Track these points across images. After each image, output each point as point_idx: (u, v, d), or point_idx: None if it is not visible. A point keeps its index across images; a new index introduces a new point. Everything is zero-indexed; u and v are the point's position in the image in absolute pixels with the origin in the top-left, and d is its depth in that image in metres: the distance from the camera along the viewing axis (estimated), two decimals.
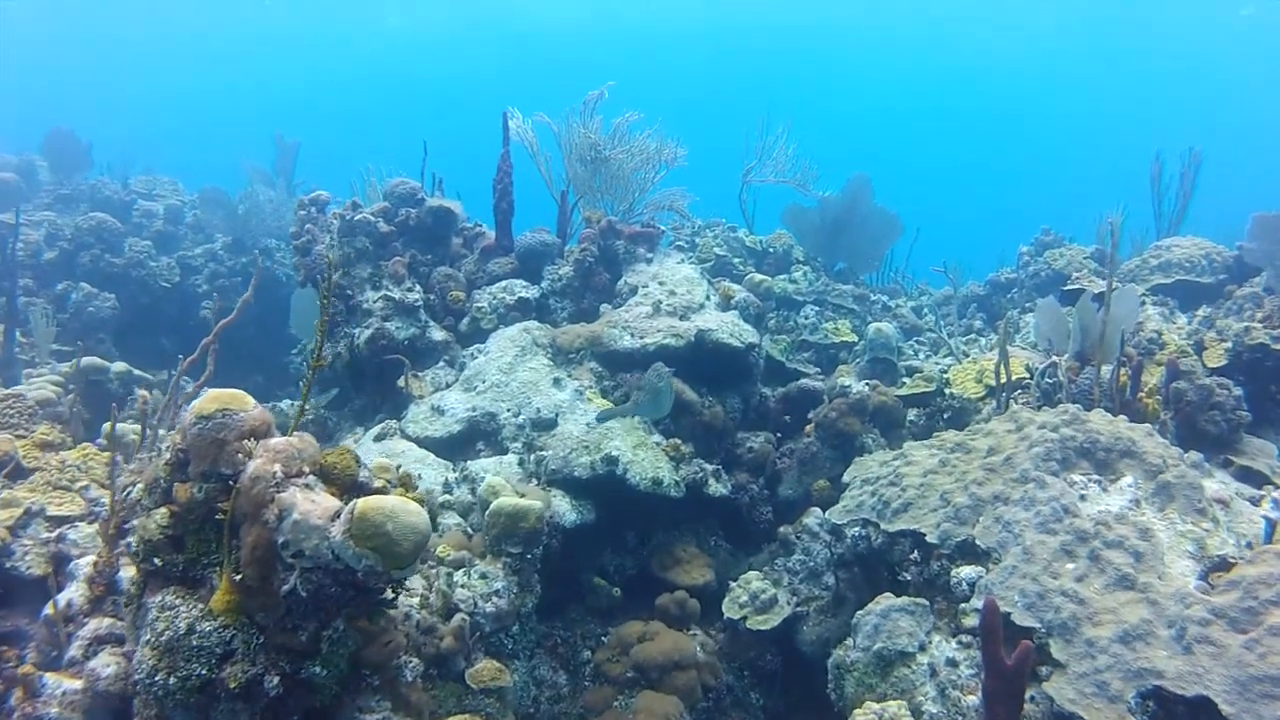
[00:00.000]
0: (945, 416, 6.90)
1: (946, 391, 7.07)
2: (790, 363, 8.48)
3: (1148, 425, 5.12)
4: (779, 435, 7.29)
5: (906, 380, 8.10)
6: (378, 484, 3.34)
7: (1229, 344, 6.63)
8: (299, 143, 17.81)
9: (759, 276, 8.52)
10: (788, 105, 12.61)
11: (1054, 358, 6.21)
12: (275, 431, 3.31)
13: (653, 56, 54.33)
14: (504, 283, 7.78)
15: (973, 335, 9.55)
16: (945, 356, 8.83)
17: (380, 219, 8.26)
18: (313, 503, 2.99)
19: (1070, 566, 4.13)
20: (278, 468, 3.03)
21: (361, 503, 2.96)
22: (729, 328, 7.09)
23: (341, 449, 3.33)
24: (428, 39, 50.61)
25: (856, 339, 9.11)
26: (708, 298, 7.54)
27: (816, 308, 9.70)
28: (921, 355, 9.08)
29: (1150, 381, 6.22)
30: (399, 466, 4.10)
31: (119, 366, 7.83)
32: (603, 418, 6.41)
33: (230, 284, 11.58)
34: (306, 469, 3.14)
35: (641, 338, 6.97)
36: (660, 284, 7.50)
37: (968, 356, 8.52)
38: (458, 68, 56.13)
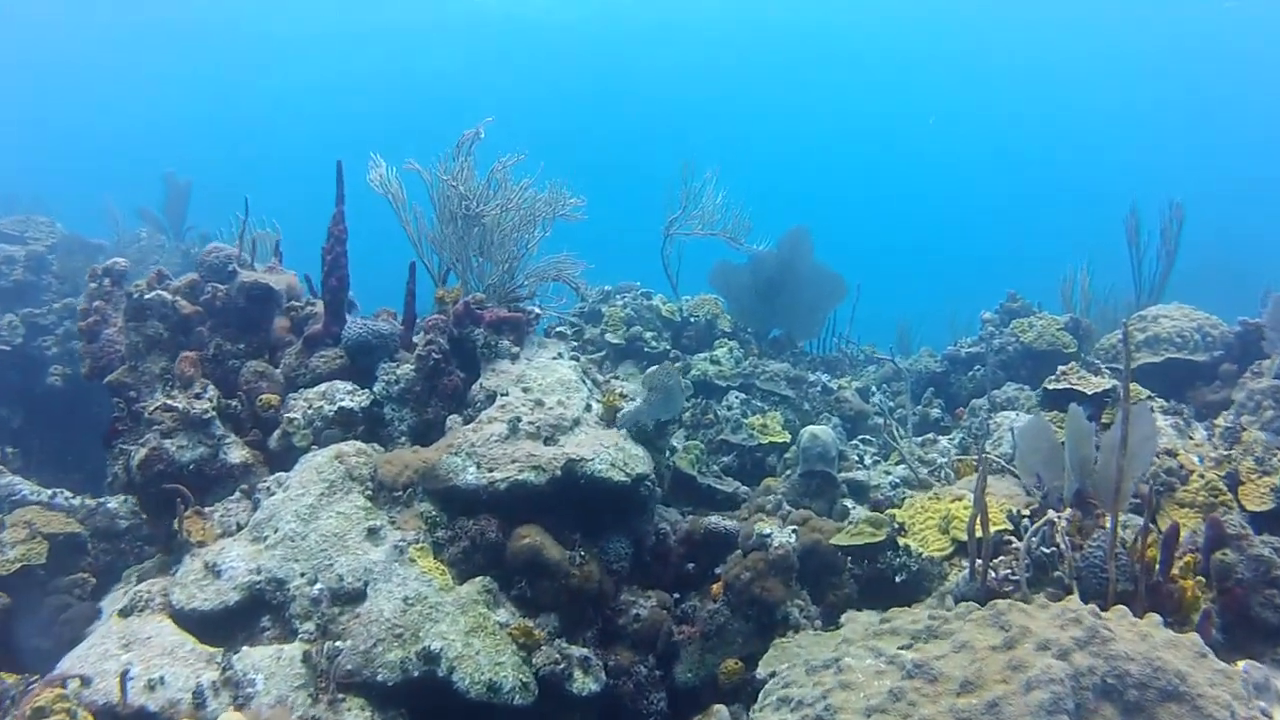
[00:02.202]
0: (900, 578, 5.14)
1: (900, 543, 5.31)
2: (703, 477, 6.76)
3: (1194, 640, 3.41)
4: (677, 596, 5.55)
5: (848, 504, 6.40)
6: None
7: (1276, 480, 4.96)
8: (191, 182, 15.97)
9: (665, 370, 6.75)
10: (719, 149, 10.98)
11: (1051, 514, 4.48)
12: None
13: (562, 95, 50.98)
14: (325, 386, 5.97)
15: (930, 436, 7.82)
16: (897, 464, 7.11)
17: (182, 297, 6.48)
18: None
19: None
20: None
21: None
22: (611, 455, 5.33)
23: None
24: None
25: (788, 438, 7.39)
26: (588, 408, 5.78)
27: (742, 395, 8.00)
28: (869, 459, 7.36)
29: (1175, 514, 4.57)
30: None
31: None
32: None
33: None
34: None
35: (490, 470, 5.18)
36: (525, 390, 5.72)
37: (924, 467, 6.83)
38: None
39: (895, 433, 7.43)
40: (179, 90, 44.48)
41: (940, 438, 7.69)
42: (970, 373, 9.11)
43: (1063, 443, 4.93)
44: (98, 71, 40.98)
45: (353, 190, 6.79)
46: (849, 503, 6.48)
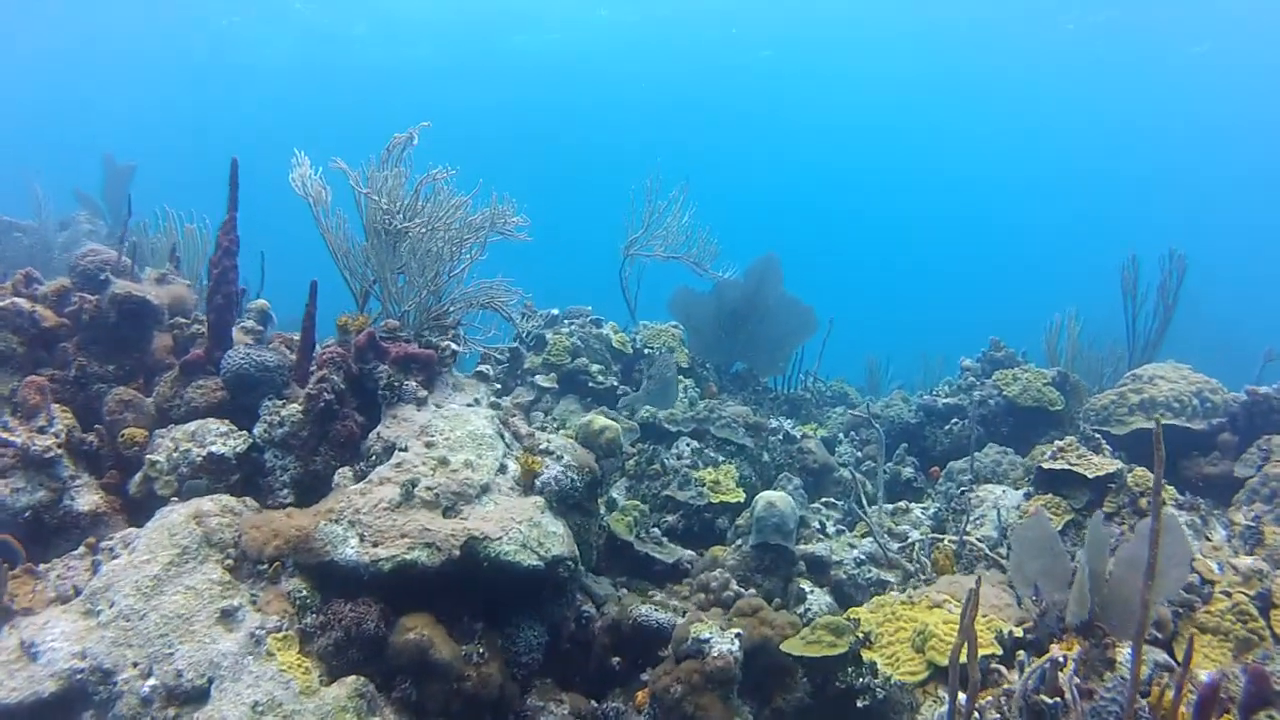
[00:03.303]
0: (863, 702, 4.26)
1: (865, 658, 4.43)
2: (641, 543, 5.89)
3: None
4: (596, 703, 4.65)
5: (805, 585, 5.54)
6: None
7: None
8: (135, 166, 15.00)
9: (601, 422, 5.82)
10: (689, 169, 10.12)
11: (1054, 650, 3.61)
12: None
13: (530, 108, 48.99)
14: (197, 425, 5.05)
15: (902, 505, 6.95)
16: (863, 535, 6.25)
17: (47, 306, 5.57)
18: None
19: None
20: None
21: None
22: (522, 533, 4.43)
23: None
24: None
25: (742, 497, 6.54)
26: (502, 469, 4.87)
27: (694, 443, 7.12)
28: (831, 526, 6.49)
29: (1197, 641, 3.72)
30: None
31: None
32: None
33: None
34: None
35: (375, 545, 4.27)
36: (428, 445, 4.81)
37: (894, 541, 5.99)
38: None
39: (862, 498, 6.59)
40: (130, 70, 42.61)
41: (913, 506, 6.84)
42: (947, 426, 8.28)
43: (1068, 550, 4.11)
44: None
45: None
46: (806, 585, 5.62)
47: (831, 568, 5.86)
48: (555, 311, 8.44)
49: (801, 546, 5.96)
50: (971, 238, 55.68)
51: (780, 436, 7.73)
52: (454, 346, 5.44)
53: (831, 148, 53.00)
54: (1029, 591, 4.17)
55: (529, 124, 49.54)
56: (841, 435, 8.71)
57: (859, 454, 8.36)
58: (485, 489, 4.65)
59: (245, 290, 7.72)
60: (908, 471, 7.65)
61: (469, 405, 5.25)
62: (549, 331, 8.09)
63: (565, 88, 45.60)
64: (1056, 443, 5.95)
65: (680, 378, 8.08)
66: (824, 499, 6.93)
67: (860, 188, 57.04)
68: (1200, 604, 4.29)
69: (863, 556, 5.93)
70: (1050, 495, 5.57)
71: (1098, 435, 5.95)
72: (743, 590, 5.42)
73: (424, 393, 5.15)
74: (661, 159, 9.94)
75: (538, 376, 7.25)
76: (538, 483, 4.77)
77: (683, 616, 5.18)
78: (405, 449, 4.78)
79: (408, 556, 4.21)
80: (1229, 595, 4.30)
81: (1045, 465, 5.67)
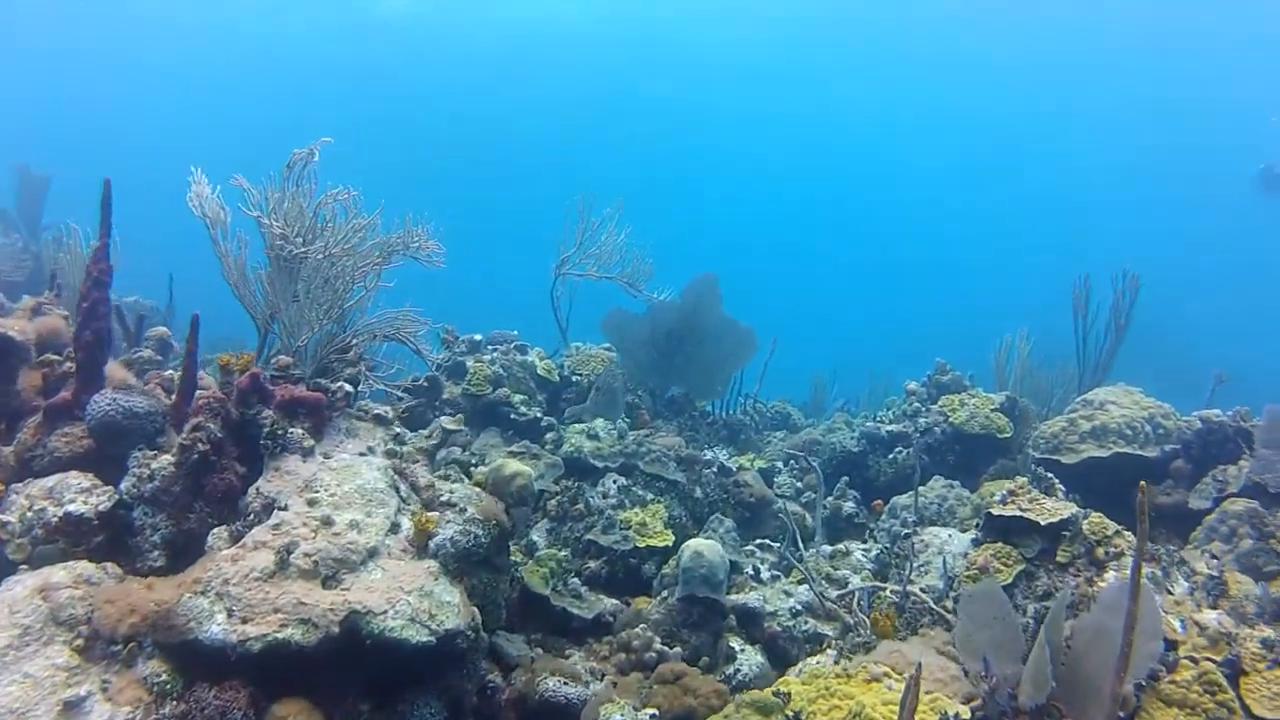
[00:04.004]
0: None
1: None
2: (559, 596, 5.44)
3: None
4: None
5: (735, 644, 5.12)
6: None
7: None
8: (50, 177, 14.34)
9: (512, 467, 5.30)
10: (625, 186, 9.72)
11: None
12: None
13: (461, 120, 47.66)
14: (56, 479, 4.52)
15: (841, 547, 6.53)
16: (800, 584, 5.83)
17: None
18: None
19: None
20: None
21: None
22: (411, 605, 3.96)
23: None
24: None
25: (671, 540, 6.11)
26: (394, 528, 4.39)
27: (621, 480, 6.68)
28: (766, 570, 6.05)
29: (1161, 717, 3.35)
30: None
31: None
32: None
33: None
34: None
35: (244, 621, 3.78)
36: (311, 502, 4.32)
37: (833, 588, 5.59)
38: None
39: (799, 539, 6.19)
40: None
41: (853, 548, 6.43)
42: (891, 455, 7.89)
43: (1020, 605, 3.71)
44: None
45: None
46: (736, 642, 5.20)
47: (765, 619, 5.44)
48: (478, 337, 7.96)
49: (733, 597, 5.54)
50: (922, 255, 55.52)
51: (715, 469, 7.31)
52: (347, 387, 4.95)
53: (777, 169, 52.70)
54: (977, 665, 3.76)
55: (458, 138, 48.53)
56: (780, 464, 8.30)
57: (798, 484, 7.96)
58: (372, 553, 4.17)
59: (143, 318, 7.20)
60: (849, 506, 7.24)
61: (362, 454, 4.76)
62: (470, 359, 7.61)
63: (494, 102, 44.72)
64: (1006, 484, 5.55)
65: None
66: (759, 540, 6.50)
67: (808, 207, 56.71)
68: (1164, 673, 3.90)
69: (799, 606, 5.52)
70: (1000, 544, 5.18)
71: (1050, 476, 5.55)
72: (666, 649, 4.99)
73: (310, 441, 4.65)
74: (598, 176, 9.56)
75: (443, 419, 6.76)
76: (431, 544, 4.30)
77: (601, 680, 4.76)
78: (285, 507, 4.28)
79: (280, 635, 3.72)
80: (1195, 662, 3.92)
81: (995, 511, 5.27)
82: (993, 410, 7.80)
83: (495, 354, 7.75)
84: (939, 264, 54.07)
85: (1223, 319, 31.67)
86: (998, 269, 49.81)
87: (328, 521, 4.20)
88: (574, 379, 8.06)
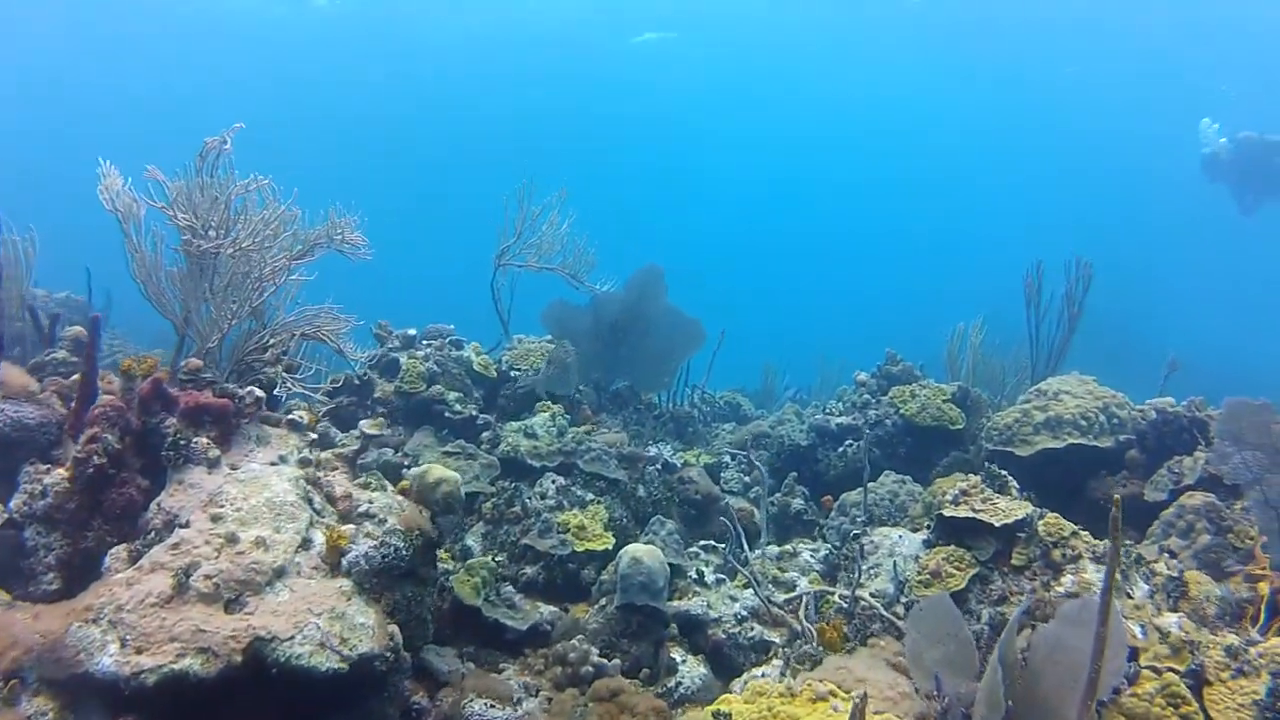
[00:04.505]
0: None
1: None
2: (491, 607, 5.17)
3: None
4: None
5: (677, 655, 4.89)
6: None
7: (1260, 685, 3.56)
8: None
9: (437, 473, 4.97)
10: (571, 173, 9.43)
11: None
12: None
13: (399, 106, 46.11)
14: None
15: (789, 548, 6.29)
16: (746, 588, 5.58)
17: None
18: None
19: None
20: None
21: None
22: (320, 629, 3.67)
23: None
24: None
25: (611, 543, 5.86)
26: (305, 544, 4.09)
27: (560, 480, 6.42)
28: (711, 574, 5.80)
29: None
30: None
31: None
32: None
33: None
34: None
35: (139, 651, 3.48)
36: (215, 518, 4.01)
37: (780, 591, 5.37)
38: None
39: (744, 542, 5.96)
40: None
41: (801, 548, 6.20)
42: (841, 449, 7.68)
43: (974, 611, 3.48)
44: None
45: None
46: (678, 653, 4.96)
47: (709, 626, 5.20)
48: (412, 332, 7.63)
49: (675, 603, 5.29)
50: (874, 243, 55.55)
51: (659, 466, 7.06)
52: (257, 392, 4.63)
53: (724, 157, 52.34)
54: (929, 684, 3.53)
55: (400, 129, 47.56)
56: (729, 459, 8.07)
57: (746, 479, 7.73)
58: (280, 572, 3.87)
59: (59, 316, 6.82)
60: (797, 503, 7.02)
61: (273, 464, 4.45)
62: (404, 355, 7.30)
63: (436, 91, 43.74)
64: (959, 483, 5.32)
65: (548, 404, 7.35)
66: (703, 542, 6.25)
67: (757, 196, 56.48)
68: (1126, 685, 3.69)
69: (744, 612, 5.29)
70: (952, 547, 4.96)
71: (1004, 474, 5.33)
72: (605, 662, 4.73)
73: (216, 451, 4.33)
74: (541, 165, 9.27)
75: (364, 422, 6.44)
76: (344, 562, 4.00)
77: (536, 696, 4.52)
78: (187, 524, 3.97)
79: (177, 666, 3.42)
80: (1158, 673, 3.72)
81: (947, 512, 5.05)
82: (944, 401, 7.61)
83: (429, 349, 7.43)
84: (891, 252, 54.19)
85: (1174, 304, 31.87)
86: (950, 257, 49.96)
87: (232, 539, 3.90)
88: (512, 374, 7.77)
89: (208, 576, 3.71)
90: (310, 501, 4.32)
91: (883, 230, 55.88)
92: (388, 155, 49.06)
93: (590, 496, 6.34)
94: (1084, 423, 6.71)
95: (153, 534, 4.06)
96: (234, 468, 4.36)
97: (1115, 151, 43.19)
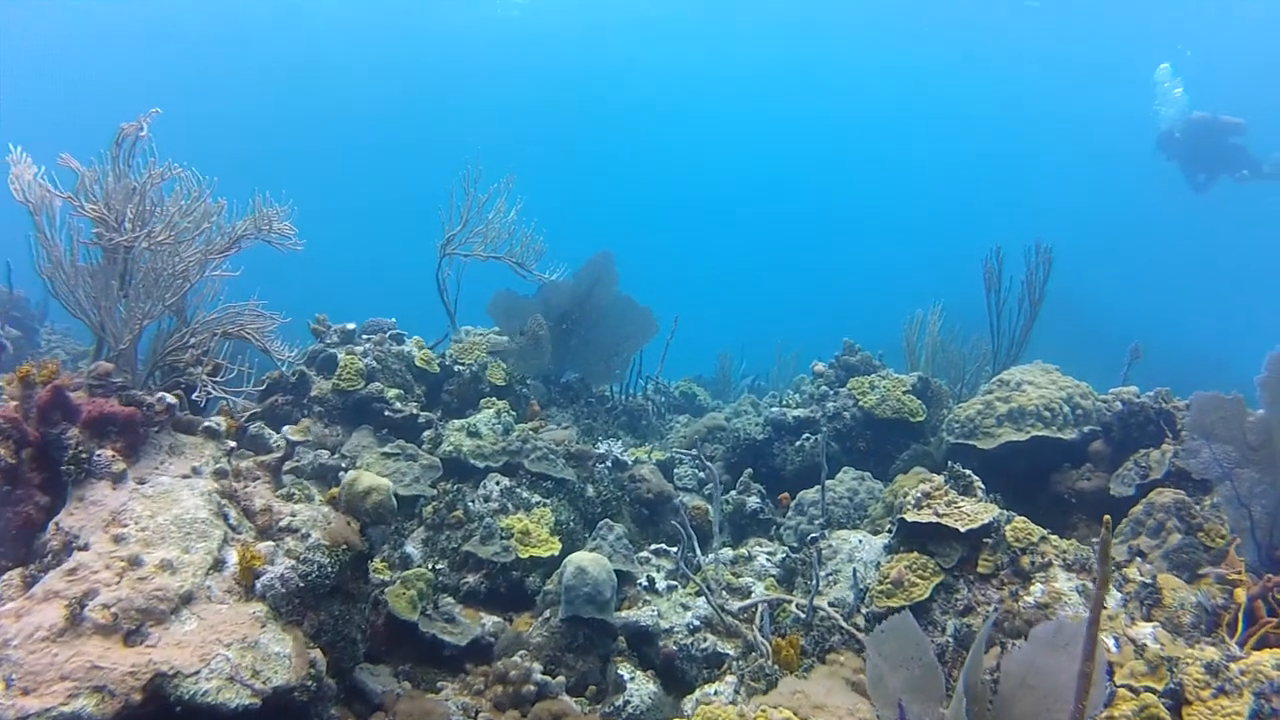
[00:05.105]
0: None
1: None
2: (429, 621, 4.87)
3: None
4: None
5: (625, 671, 4.63)
6: None
7: (1243, 706, 3.33)
8: None
9: (366, 481, 4.58)
10: (517, 160, 9.09)
11: None
12: None
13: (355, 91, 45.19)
14: None
15: (744, 552, 6.01)
16: (699, 595, 5.29)
17: None
18: None
19: None
20: None
21: None
22: (229, 661, 3.36)
23: None
24: None
25: (558, 549, 5.58)
26: (217, 565, 3.76)
27: (505, 480, 6.12)
28: (662, 580, 5.52)
29: None
30: None
31: None
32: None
33: None
34: None
35: (26, 691, 3.15)
36: (117, 539, 3.67)
37: (735, 598, 5.11)
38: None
39: (696, 547, 5.69)
40: None
41: (757, 552, 5.92)
42: (799, 443, 7.42)
43: (939, 622, 3.22)
44: None
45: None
46: (626, 669, 4.68)
47: (660, 638, 4.92)
48: (351, 326, 7.27)
49: (623, 614, 5.01)
50: (829, 227, 55.39)
51: (609, 464, 6.78)
52: (169, 399, 4.29)
53: (676, 141, 51.99)
54: (891, 712, 3.27)
55: (349, 117, 46.65)
56: (683, 453, 7.79)
57: (700, 474, 7.47)
58: (188, 598, 3.54)
59: None
60: (753, 502, 6.76)
61: (185, 476, 4.12)
62: (341, 350, 6.96)
63: (383, 79, 42.82)
64: (922, 483, 5.06)
65: (492, 399, 7.04)
66: (655, 546, 5.96)
67: (712, 180, 56.15)
68: (1101, 710, 3.45)
69: (697, 622, 5.01)
70: (915, 554, 4.70)
71: (969, 474, 5.07)
72: (549, 680, 4.45)
73: (122, 464, 3.98)
74: (488, 151, 8.92)
75: (288, 428, 6.08)
76: (258, 584, 3.68)
77: (473, 718, 4.24)
78: (86, 546, 3.64)
79: (68, 708, 3.10)
80: (1135, 693, 3.47)
81: (909, 517, 4.78)
82: (904, 393, 7.38)
83: (369, 345, 7.09)
84: (846, 237, 54.09)
85: (1134, 286, 31.90)
86: (906, 241, 49.85)
87: (136, 562, 3.57)
88: (456, 369, 7.44)
89: (105, 605, 3.38)
90: (225, 517, 4.00)
91: (838, 215, 55.80)
92: (339, 145, 48.18)
93: (536, 499, 6.05)
94: (1047, 414, 6.51)
95: (50, 557, 3.72)
96: (141, 482, 4.02)
97: (1074, 131, 43.33)
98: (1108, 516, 2.39)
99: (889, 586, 4.60)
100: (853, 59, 38.99)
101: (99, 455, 3.96)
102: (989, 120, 44.97)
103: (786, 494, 6.83)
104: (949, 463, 5.26)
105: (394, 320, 7.73)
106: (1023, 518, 4.72)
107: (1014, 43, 35.08)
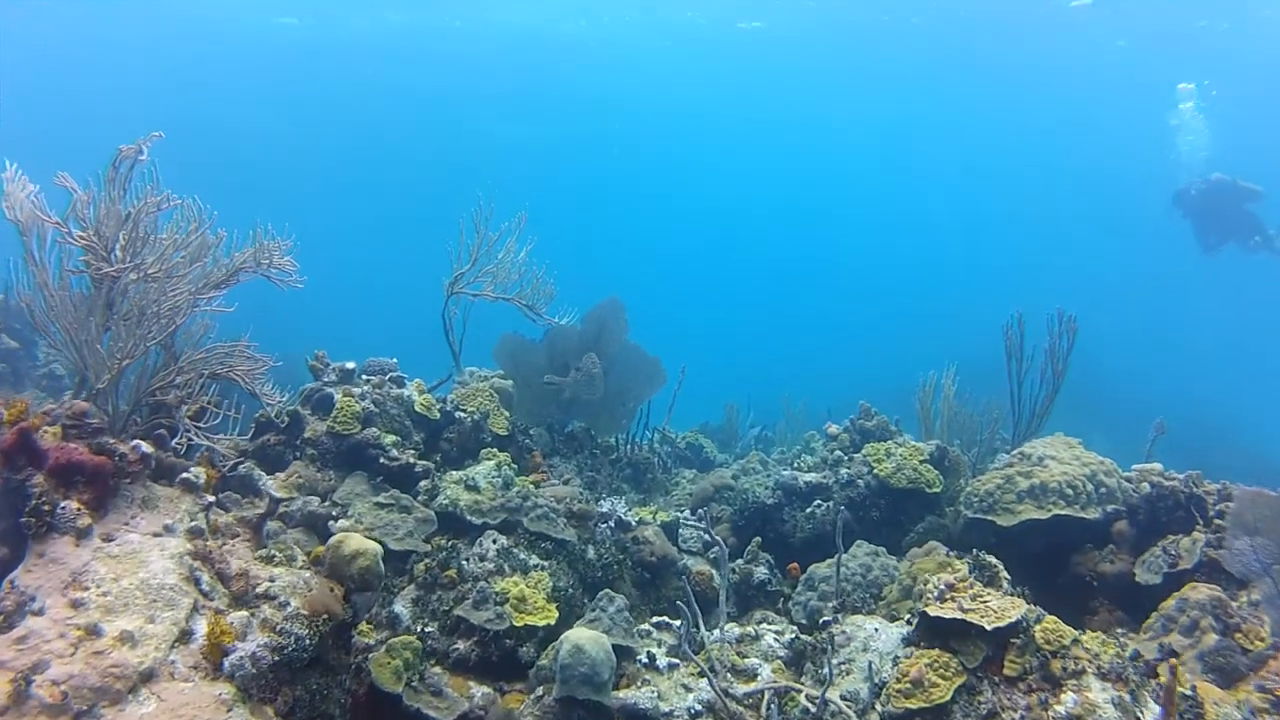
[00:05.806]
0: None
1: None
2: (414, 694, 4.55)
3: None
4: None
5: None
6: None
7: None
8: None
9: (354, 544, 4.27)
10: (530, 199, 8.84)
11: None
12: None
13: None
14: None
15: (750, 630, 5.66)
16: (700, 675, 4.95)
17: None
18: None
19: None
20: None
21: None
22: None
23: None
24: None
25: (554, 617, 5.26)
26: (185, 636, 3.45)
27: (502, 539, 5.81)
28: (663, 657, 5.18)
29: None
30: None
31: None
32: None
33: None
34: None
35: None
36: (75, 604, 3.37)
37: (739, 682, 4.79)
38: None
39: (702, 624, 5.36)
40: None
41: (765, 630, 5.59)
42: (809, 509, 7.10)
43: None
44: None
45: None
46: None
47: None
48: (351, 365, 6.96)
49: (621, 694, 4.69)
50: (836, 279, 55.17)
51: (611, 524, 6.47)
52: (144, 447, 4.00)
53: (690, 188, 51.88)
54: None
55: (354, 148, 46.30)
56: (689, 513, 7.48)
57: (706, 536, 7.15)
58: (149, 675, 3.23)
59: None
60: (761, 572, 6.44)
61: (157, 534, 3.82)
62: (338, 391, 6.66)
63: (395, 107, 42.36)
64: (943, 575, 4.73)
65: (494, 450, 6.74)
66: (656, 619, 5.63)
67: (723, 227, 56.02)
68: None
69: (699, 707, 4.69)
70: (937, 651, 4.37)
71: (995, 563, 4.74)
72: None
73: (88, 519, 3.69)
74: (500, 188, 8.65)
75: (270, 483, 5.74)
76: (226, 664, 3.37)
77: None
78: (41, 611, 3.33)
79: None
80: None
81: (932, 611, 4.46)
82: (921, 461, 7.07)
83: (367, 387, 6.78)
84: (857, 289, 53.75)
85: (1155, 355, 31.53)
86: (920, 297, 49.39)
87: (93, 631, 3.26)
88: (458, 415, 7.14)
89: (55, 682, 3.07)
90: (197, 581, 3.69)
91: (844, 265, 55.55)
92: (346, 170, 47.86)
93: (534, 560, 5.74)
94: (1070, 492, 6.22)
95: (1, 619, 3.41)
96: (108, 539, 3.71)
97: (1088, 187, 43.16)
98: (1175, 663, 2.09)
99: (908, 686, 4.27)
100: (866, 111, 38.69)
101: (63, 507, 3.67)
102: (1003, 175, 44.81)
103: (796, 564, 6.51)
104: (967, 542, 4.96)
105: (395, 361, 7.42)
106: (1053, 617, 4.40)
107: (1027, 95, 34.91)
